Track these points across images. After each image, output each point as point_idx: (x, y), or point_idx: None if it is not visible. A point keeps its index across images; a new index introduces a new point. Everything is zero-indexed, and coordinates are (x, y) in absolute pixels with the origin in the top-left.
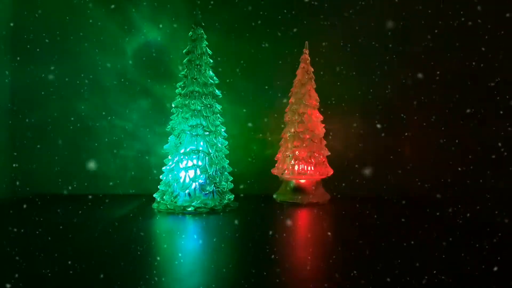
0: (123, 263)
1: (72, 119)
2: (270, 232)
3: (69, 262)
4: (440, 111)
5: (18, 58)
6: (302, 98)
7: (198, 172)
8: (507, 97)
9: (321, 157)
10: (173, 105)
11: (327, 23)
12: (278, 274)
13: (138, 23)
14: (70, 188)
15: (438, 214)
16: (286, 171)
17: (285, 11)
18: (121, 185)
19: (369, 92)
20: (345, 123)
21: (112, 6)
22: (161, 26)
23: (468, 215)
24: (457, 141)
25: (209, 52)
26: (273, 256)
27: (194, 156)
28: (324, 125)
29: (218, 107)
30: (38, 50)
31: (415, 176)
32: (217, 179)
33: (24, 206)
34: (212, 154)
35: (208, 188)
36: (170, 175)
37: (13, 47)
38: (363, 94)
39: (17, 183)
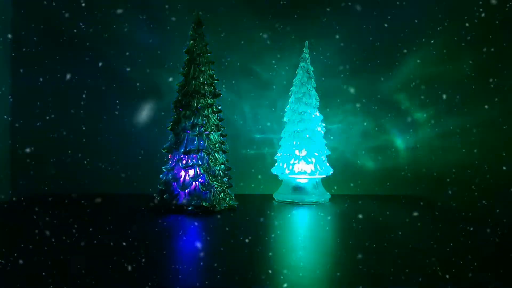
0: (123, 262)
1: (72, 119)
2: (270, 232)
3: (69, 262)
4: (442, 109)
5: (19, 58)
6: (302, 97)
7: (198, 171)
8: None
9: (321, 156)
10: (173, 104)
11: (327, 21)
12: (277, 274)
13: (138, 22)
14: (69, 188)
15: (440, 212)
16: (286, 170)
17: (285, 10)
18: (121, 185)
19: (370, 91)
20: (345, 122)
21: (113, 5)
22: (161, 25)
23: (470, 214)
24: (459, 139)
25: (209, 51)
26: (272, 256)
27: (194, 155)
28: (324, 124)
29: (218, 106)
30: (38, 51)
31: (416, 175)
32: (217, 178)
33: (23, 206)
34: (212, 153)
35: (208, 187)
36: (170, 175)
37: (14, 47)
38: (363, 93)
39: (17, 183)
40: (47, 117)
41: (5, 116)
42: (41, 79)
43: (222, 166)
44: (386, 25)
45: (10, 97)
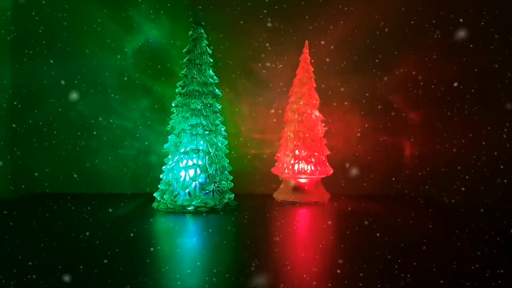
0: (124, 262)
1: (72, 118)
2: (270, 231)
3: (69, 262)
4: (441, 110)
5: (19, 58)
6: (302, 97)
7: (198, 171)
8: None
9: (321, 156)
10: (173, 104)
11: (327, 20)
12: (277, 274)
13: (138, 22)
14: (69, 187)
15: (439, 213)
16: (286, 170)
17: (285, 9)
18: (121, 184)
19: (370, 91)
20: (345, 122)
21: (112, 6)
22: (161, 25)
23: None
24: (457, 138)
25: (209, 51)
26: (272, 256)
27: (194, 155)
28: (324, 124)
29: (218, 106)
30: (38, 50)
31: (415, 176)
32: (217, 178)
33: (24, 205)
34: (212, 153)
35: (208, 187)
36: (170, 174)
37: (13, 47)
38: (363, 93)
39: (17, 182)
40: (46, 116)
41: (5, 117)
42: (41, 78)
43: (222, 166)
44: (385, 25)
45: (9, 93)
